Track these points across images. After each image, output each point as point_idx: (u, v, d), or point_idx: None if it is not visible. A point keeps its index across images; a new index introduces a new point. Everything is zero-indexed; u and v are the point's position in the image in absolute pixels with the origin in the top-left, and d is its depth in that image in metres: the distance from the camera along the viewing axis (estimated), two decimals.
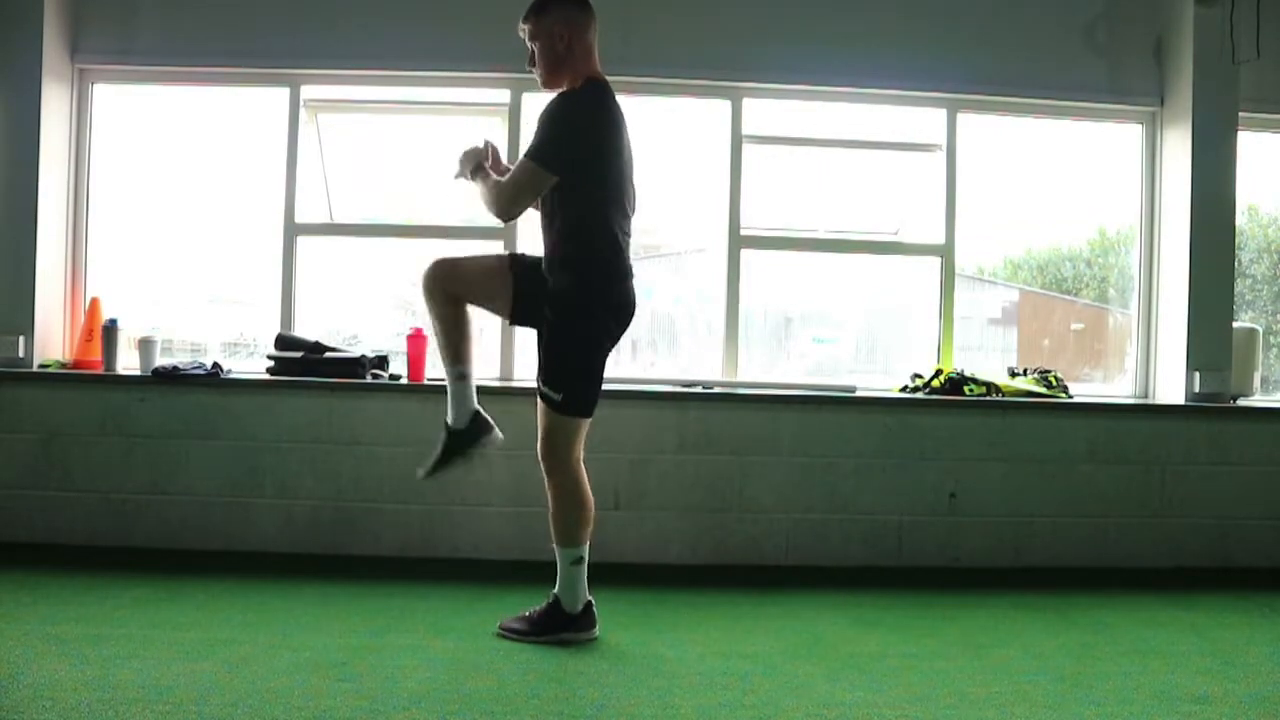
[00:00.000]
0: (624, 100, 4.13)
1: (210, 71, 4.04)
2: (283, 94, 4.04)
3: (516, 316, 2.78)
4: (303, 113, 4.05)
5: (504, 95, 4.06)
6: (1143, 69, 4.17)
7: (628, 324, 2.75)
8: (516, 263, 2.79)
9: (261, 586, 3.16)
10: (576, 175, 2.59)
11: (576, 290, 2.63)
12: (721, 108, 4.12)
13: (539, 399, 2.68)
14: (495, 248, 4.06)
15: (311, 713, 2.12)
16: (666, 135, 4.29)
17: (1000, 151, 4.34)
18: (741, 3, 4.06)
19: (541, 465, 2.69)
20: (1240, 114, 4.02)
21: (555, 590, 2.72)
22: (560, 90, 2.68)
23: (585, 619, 2.72)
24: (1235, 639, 2.92)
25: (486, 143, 2.89)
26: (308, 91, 4.06)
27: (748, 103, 4.12)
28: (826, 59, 4.06)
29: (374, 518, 3.66)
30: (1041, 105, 4.21)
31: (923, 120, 4.20)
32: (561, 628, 2.70)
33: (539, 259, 2.75)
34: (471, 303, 2.77)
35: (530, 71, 2.78)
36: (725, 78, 4.05)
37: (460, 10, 3.99)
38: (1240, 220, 4.14)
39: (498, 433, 2.81)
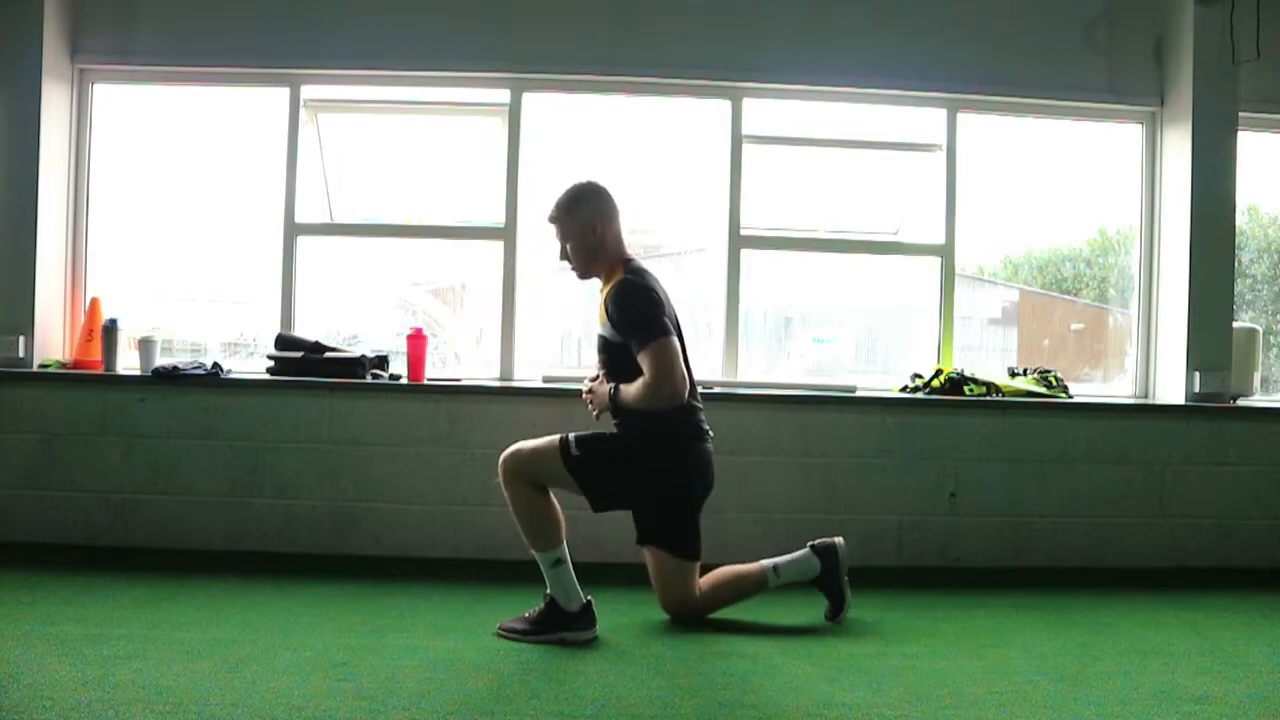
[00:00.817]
0: (624, 100, 4.21)
1: (210, 71, 4.04)
2: (283, 94, 4.03)
3: (597, 505, 2.80)
4: (303, 113, 4.05)
5: (504, 95, 4.06)
6: (1143, 69, 4.18)
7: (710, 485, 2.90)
8: (569, 455, 2.74)
9: (261, 586, 3.16)
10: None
11: (664, 456, 2.75)
12: (721, 108, 4.12)
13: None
14: (495, 248, 4.07)
15: (311, 713, 2.12)
16: (666, 135, 4.29)
17: (1000, 151, 4.34)
18: (741, 3, 4.06)
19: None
20: (1240, 114, 4.02)
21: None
22: (612, 284, 2.74)
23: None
24: (1235, 639, 2.92)
25: (588, 388, 2.91)
26: (308, 91, 4.06)
27: (748, 103, 4.12)
28: (826, 59, 4.06)
29: (374, 518, 3.66)
30: (1041, 105, 4.21)
31: (923, 120, 4.20)
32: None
33: (598, 435, 2.78)
34: (550, 486, 2.76)
35: (569, 265, 2.84)
36: (725, 78, 4.05)
37: (460, 10, 3.99)
38: (1240, 220, 4.14)
39: (595, 633, 2.75)
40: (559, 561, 2.72)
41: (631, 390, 2.68)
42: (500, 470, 2.76)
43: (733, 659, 2.61)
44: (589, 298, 4.42)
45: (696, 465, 2.82)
